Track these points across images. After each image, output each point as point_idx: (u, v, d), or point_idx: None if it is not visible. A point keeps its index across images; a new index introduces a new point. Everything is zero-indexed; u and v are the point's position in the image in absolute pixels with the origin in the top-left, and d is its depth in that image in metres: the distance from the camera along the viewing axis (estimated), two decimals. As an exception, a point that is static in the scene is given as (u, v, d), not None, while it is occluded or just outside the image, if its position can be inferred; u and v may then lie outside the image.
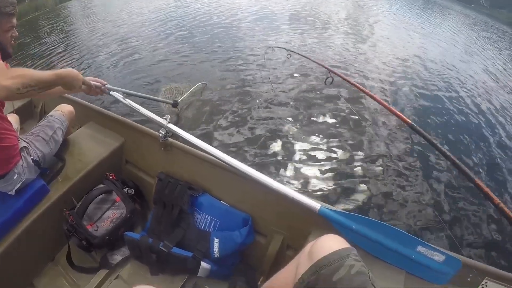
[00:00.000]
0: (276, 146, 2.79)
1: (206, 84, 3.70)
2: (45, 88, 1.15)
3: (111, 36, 6.22)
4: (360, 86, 1.76)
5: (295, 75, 4.15)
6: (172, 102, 2.87)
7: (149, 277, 1.30)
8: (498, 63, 6.76)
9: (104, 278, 1.34)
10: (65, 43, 6.10)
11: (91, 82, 1.40)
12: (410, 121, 1.32)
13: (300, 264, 0.82)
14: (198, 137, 1.31)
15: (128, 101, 1.54)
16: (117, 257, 1.38)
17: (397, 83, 4.42)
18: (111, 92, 1.53)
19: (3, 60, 1.17)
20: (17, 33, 1.29)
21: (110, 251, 1.40)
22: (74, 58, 5.16)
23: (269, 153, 2.71)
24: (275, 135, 2.93)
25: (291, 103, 3.44)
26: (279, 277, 0.94)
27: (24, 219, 1.31)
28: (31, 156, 1.38)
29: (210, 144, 1.27)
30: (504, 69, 6.42)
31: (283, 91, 3.70)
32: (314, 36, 6.11)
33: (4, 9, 1.18)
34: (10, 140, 1.28)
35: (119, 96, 1.53)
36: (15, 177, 1.31)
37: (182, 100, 3.08)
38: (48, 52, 5.61)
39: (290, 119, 3.19)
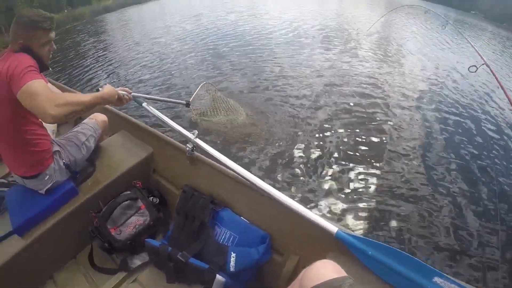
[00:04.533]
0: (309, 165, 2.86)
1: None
2: (88, 110, 1.29)
3: (148, 51, 6.54)
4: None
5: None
6: (184, 102, 2.83)
7: (165, 284, 1.34)
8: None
9: (121, 280, 1.40)
10: (101, 54, 6.42)
11: (121, 92, 1.52)
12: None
13: None
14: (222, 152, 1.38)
15: (158, 114, 1.61)
16: (137, 262, 1.44)
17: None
18: (143, 104, 1.65)
19: (41, 71, 1.27)
20: (54, 47, 1.37)
21: (131, 255, 1.46)
22: (108, 70, 5.41)
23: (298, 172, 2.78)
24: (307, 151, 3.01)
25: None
26: None
27: (51, 217, 1.39)
28: (63, 160, 1.47)
29: (232, 159, 1.33)
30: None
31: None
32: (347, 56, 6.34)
33: (42, 24, 1.25)
34: (43, 144, 1.38)
35: (146, 105, 1.65)
36: (46, 178, 1.40)
37: (193, 99, 3.08)
38: (85, 63, 5.90)
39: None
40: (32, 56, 1.23)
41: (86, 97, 1.24)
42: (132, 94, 1.60)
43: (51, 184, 1.42)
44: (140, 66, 5.57)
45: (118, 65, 5.73)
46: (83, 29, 9.31)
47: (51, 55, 1.40)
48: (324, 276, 0.74)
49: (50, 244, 1.39)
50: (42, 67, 1.30)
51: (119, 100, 1.51)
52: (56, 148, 1.47)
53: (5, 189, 1.53)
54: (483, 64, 2.67)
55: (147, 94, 4.07)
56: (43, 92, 1.08)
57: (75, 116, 1.21)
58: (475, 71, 2.66)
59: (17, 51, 1.24)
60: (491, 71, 2.62)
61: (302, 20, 9.74)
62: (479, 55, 2.98)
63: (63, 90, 1.49)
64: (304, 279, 0.77)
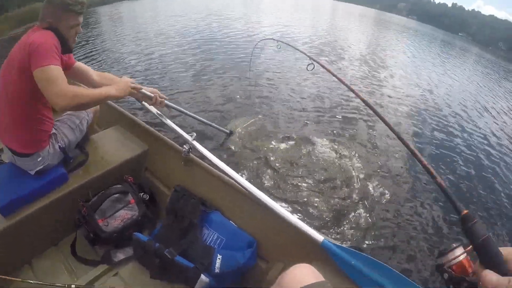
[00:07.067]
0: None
1: (261, 117, 3.88)
2: (95, 105, 1.34)
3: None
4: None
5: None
6: (228, 131, 2.95)
7: (148, 280, 1.35)
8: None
9: (102, 273, 1.39)
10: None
11: (148, 93, 1.55)
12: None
13: None
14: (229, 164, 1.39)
15: (157, 112, 1.63)
16: (120, 256, 1.44)
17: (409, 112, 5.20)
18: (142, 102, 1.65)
19: (64, 53, 1.30)
20: (81, 30, 1.38)
21: (114, 248, 1.46)
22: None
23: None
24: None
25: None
26: None
27: (39, 200, 1.38)
28: (58, 143, 1.47)
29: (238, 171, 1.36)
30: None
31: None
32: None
33: (73, 7, 1.27)
34: (45, 125, 1.38)
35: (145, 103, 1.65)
36: (39, 159, 1.39)
37: (238, 130, 3.21)
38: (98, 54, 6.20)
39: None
40: (58, 37, 1.25)
41: (94, 93, 1.28)
42: (166, 102, 1.63)
43: (42, 166, 1.41)
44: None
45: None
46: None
47: (76, 39, 1.40)
48: (302, 281, 0.72)
49: (33, 228, 1.37)
50: (66, 49, 1.32)
51: (143, 98, 1.57)
52: (52, 130, 1.47)
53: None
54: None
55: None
56: (57, 80, 1.12)
57: (84, 108, 1.25)
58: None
59: (45, 28, 1.25)
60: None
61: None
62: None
63: (88, 73, 1.52)
64: (282, 284, 0.76)
